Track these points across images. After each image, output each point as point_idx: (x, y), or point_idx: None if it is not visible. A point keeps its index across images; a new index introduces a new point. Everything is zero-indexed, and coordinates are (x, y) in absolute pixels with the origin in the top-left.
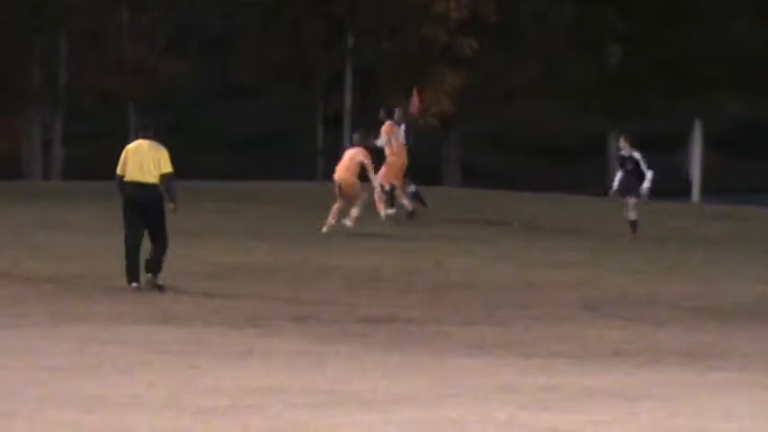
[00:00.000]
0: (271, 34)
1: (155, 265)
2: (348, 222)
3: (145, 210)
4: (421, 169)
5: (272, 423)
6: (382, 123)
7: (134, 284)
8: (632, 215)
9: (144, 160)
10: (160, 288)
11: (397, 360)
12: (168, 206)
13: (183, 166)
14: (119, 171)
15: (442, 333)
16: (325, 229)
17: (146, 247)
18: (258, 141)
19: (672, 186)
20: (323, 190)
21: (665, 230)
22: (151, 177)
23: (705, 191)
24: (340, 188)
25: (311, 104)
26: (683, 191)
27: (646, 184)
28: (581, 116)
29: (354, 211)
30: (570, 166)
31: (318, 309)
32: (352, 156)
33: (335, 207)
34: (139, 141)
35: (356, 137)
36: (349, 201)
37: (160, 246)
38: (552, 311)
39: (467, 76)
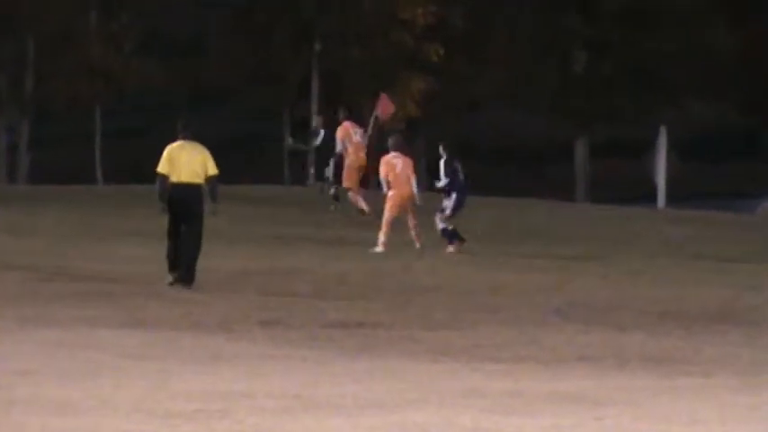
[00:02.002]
0: (240, 38)
1: (190, 275)
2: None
3: (187, 210)
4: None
5: (240, 428)
6: (339, 123)
7: (171, 278)
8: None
9: (189, 161)
10: (189, 286)
11: (364, 365)
12: (212, 208)
13: (152, 170)
14: (161, 170)
15: (410, 337)
16: (418, 245)
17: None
18: (226, 145)
19: (638, 191)
20: (291, 193)
21: (630, 235)
22: (197, 178)
23: (671, 196)
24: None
25: (279, 108)
26: (649, 196)
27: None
28: (548, 122)
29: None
30: (537, 172)
31: (287, 313)
32: (406, 167)
33: (413, 224)
34: (181, 142)
35: (393, 140)
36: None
37: (194, 249)
38: (518, 316)
39: (433, 82)
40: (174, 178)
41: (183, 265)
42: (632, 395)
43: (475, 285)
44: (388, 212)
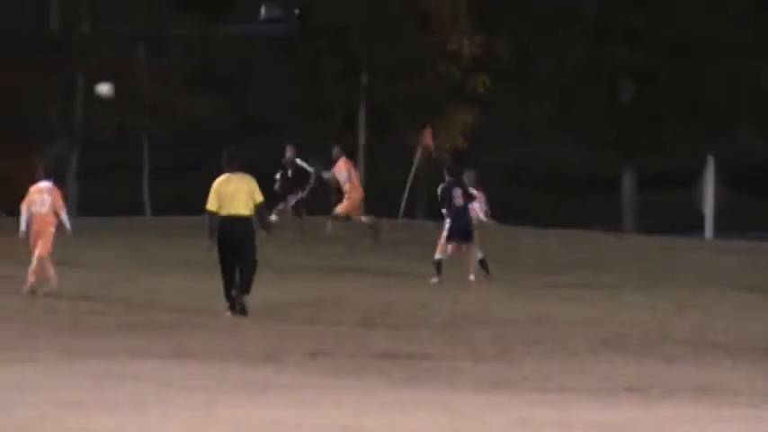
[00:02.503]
0: (287, 71)
1: (242, 303)
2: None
3: (239, 242)
4: (436, 205)
5: None
6: (335, 160)
7: (230, 314)
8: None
9: (236, 193)
10: (243, 311)
11: (412, 395)
12: (261, 234)
13: (200, 202)
14: (210, 207)
15: (457, 369)
16: (472, 277)
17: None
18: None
19: (686, 222)
20: (338, 224)
21: (678, 266)
22: (246, 210)
23: (719, 227)
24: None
25: (326, 140)
26: (697, 226)
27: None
28: (594, 152)
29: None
30: (584, 202)
31: (335, 344)
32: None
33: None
34: (227, 175)
35: (469, 174)
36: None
37: (248, 281)
38: (565, 347)
39: (480, 113)
40: (223, 212)
41: (239, 295)
42: (680, 426)
43: (522, 317)
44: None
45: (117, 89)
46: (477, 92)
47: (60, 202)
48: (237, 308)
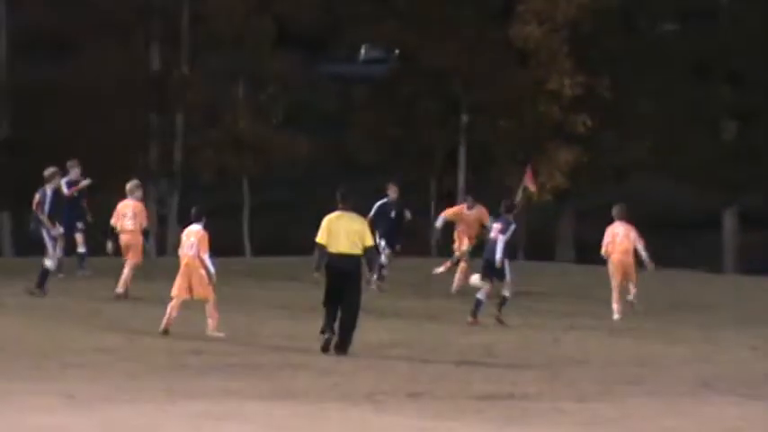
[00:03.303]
0: (385, 111)
1: (346, 342)
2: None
3: (346, 280)
4: (535, 245)
5: None
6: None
7: (325, 351)
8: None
9: (347, 232)
10: (342, 349)
11: None
12: (366, 277)
13: (300, 242)
14: (320, 240)
15: (557, 409)
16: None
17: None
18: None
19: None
20: (436, 265)
21: None
22: (355, 249)
23: None
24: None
25: (426, 181)
26: None
27: None
28: (695, 191)
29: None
30: (684, 241)
31: (434, 385)
32: (629, 233)
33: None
34: (340, 212)
35: (618, 210)
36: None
37: (351, 321)
38: (667, 387)
39: (580, 152)
40: (332, 249)
41: (340, 334)
42: None
43: (623, 357)
44: (613, 279)
45: (216, 127)
46: (578, 131)
47: (205, 247)
48: (335, 346)
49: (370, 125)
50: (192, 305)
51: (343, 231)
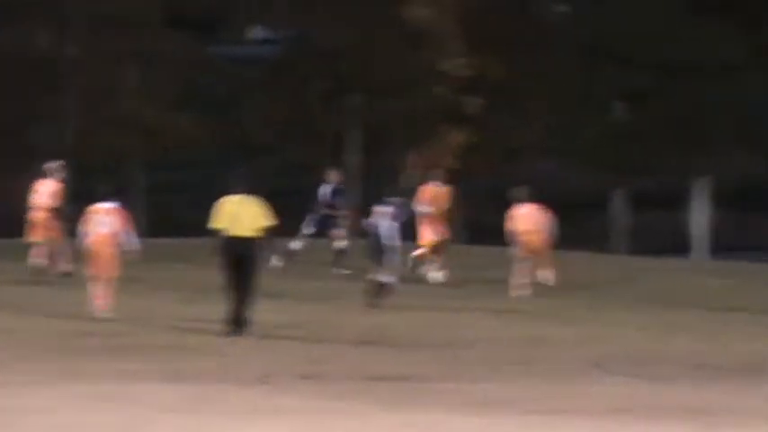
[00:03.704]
0: (277, 92)
1: (243, 321)
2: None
3: (243, 262)
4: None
5: None
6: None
7: (233, 335)
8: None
9: (243, 214)
10: (239, 330)
11: (404, 417)
12: (271, 259)
13: (194, 223)
14: (216, 224)
15: (450, 390)
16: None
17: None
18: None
19: (676, 243)
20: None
21: (668, 287)
22: (250, 231)
23: (710, 248)
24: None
25: (317, 162)
26: (688, 247)
27: None
28: (584, 172)
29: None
30: (574, 223)
31: (328, 366)
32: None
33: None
34: (235, 196)
35: (521, 192)
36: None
37: (248, 301)
38: (557, 368)
39: (472, 134)
40: (230, 232)
41: (237, 315)
42: None
43: (514, 338)
44: (516, 259)
45: (107, 109)
46: (469, 112)
47: (124, 223)
48: (235, 328)
49: (263, 106)
50: (79, 286)
51: (239, 214)
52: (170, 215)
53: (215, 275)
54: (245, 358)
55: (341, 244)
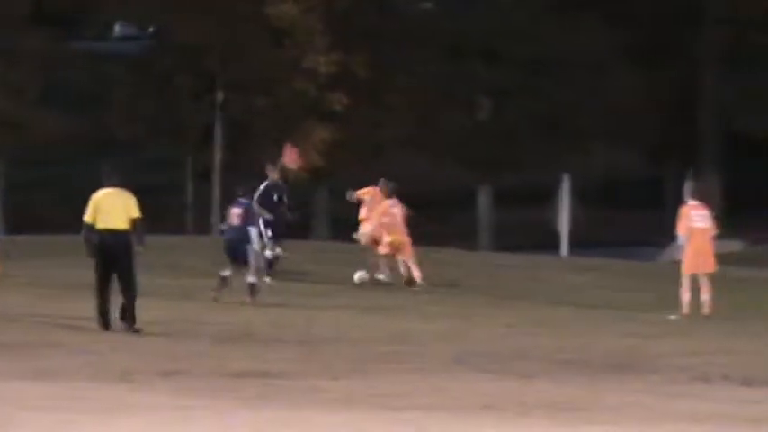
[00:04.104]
0: (141, 87)
1: (130, 317)
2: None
3: (116, 256)
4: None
5: None
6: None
7: (100, 329)
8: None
9: (113, 207)
10: (137, 331)
11: (266, 415)
12: (137, 249)
13: (57, 220)
14: (87, 219)
15: (312, 387)
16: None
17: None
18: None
19: (541, 239)
20: (194, 243)
21: (533, 283)
22: (122, 224)
23: (574, 244)
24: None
25: (182, 158)
26: (553, 244)
27: None
28: (450, 169)
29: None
30: (438, 219)
31: (189, 363)
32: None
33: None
34: (106, 189)
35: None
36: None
37: (130, 294)
38: (422, 364)
39: (337, 131)
40: (100, 225)
41: (125, 309)
42: None
43: (378, 334)
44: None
45: None
46: (333, 109)
47: None
48: (122, 318)
49: (127, 103)
50: None
51: (109, 207)
52: (32, 212)
53: (78, 272)
54: (107, 356)
55: (275, 251)
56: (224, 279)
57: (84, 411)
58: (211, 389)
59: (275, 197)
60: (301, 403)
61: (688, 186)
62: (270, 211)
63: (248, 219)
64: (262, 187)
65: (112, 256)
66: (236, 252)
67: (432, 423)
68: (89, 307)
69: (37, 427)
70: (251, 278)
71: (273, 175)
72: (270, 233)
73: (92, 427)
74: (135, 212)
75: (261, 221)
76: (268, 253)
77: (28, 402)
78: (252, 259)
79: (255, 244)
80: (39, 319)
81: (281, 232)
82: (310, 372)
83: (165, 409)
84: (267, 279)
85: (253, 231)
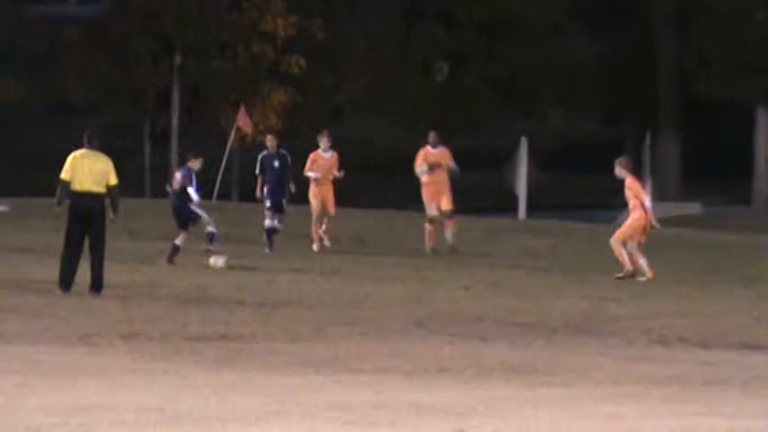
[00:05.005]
0: (97, 51)
1: (98, 282)
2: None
3: (90, 219)
4: (250, 187)
5: None
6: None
7: (61, 292)
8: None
9: (92, 170)
10: (97, 288)
11: (226, 377)
12: (109, 216)
13: (12, 183)
14: (64, 176)
15: (271, 350)
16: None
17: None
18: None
19: (498, 202)
20: (153, 206)
21: (491, 246)
22: (99, 187)
23: (531, 207)
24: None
25: (139, 122)
26: (510, 207)
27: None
28: (410, 132)
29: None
30: (396, 182)
31: (149, 326)
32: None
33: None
34: (85, 150)
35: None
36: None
37: (99, 256)
38: (380, 328)
39: (295, 94)
40: (76, 186)
41: (93, 274)
42: (494, 406)
43: (337, 298)
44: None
45: None
46: (292, 72)
47: None
48: (90, 287)
49: (82, 66)
50: None
51: (87, 169)
52: None
53: (37, 236)
54: (66, 319)
55: (273, 222)
56: (176, 247)
57: (42, 375)
58: (171, 352)
59: (275, 163)
60: (260, 366)
61: (621, 162)
62: (272, 177)
63: (187, 182)
64: (260, 156)
65: (87, 218)
66: (181, 217)
67: (390, 386)
68: (46, 270)
69: None
70: (208, 228)
71: (270, 143)
72: (269, 203)
73: (50, 390)
74: (113, 179)
75: (265, 191)
76: (267, 222)
77: None
78: (200, 213)
79: (195, 199)
80: None
81: (279, 203)
82: (269, 335)
83: (124, 371)
84: (266, 250)
85: (190, 190)
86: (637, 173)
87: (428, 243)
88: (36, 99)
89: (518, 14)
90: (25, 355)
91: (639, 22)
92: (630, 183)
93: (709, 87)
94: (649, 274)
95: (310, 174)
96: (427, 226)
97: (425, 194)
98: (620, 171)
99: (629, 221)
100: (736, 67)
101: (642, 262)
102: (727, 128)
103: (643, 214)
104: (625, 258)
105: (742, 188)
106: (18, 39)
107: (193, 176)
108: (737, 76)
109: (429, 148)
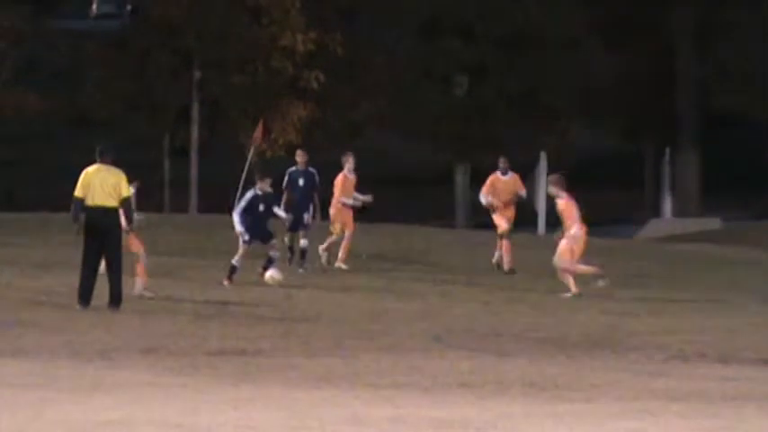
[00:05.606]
0: (118, 66)
1: (117, 296)
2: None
3: (105, 233)
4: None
5: None
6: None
7: (80, 307)
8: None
9: (105, 184)
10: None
11: (245, 392)
12: (124, 228)
13: (33, 197)
14: (78, 194)
15: (290, 365)
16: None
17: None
18: None
19: (518, 217)
20: (172, 221)
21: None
22: (112, 201)
23: (551, 222)
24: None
25: (159, 137)
26: (530, 222)
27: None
28: (427, 147)
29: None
30: (416, 197)
31: (168, 341)
32: None
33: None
34: (98, 165)
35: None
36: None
37: (117, 272)
38: (400, 342)
39: (314, 108)
40: (89, 202)
41: (111, 289)
42: (514, 421)
43: (356, 313)
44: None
45: None
46: (311, 87)
47: None
48: (109, 302)
49: (103, 81)
50: None
51: (99, 184)
52: (3, 189)
53: (55, 250)
54: (84, 334)
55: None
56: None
57: (61, 389)
58: (190, 367)
59: (300, 181)
60: (279, 381)
61: (554, 179)
62: (296, 194)
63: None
64: (288, 171)
65: (101, 233)
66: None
67: (409, 401)
68: (65, 284)
69: (13, 403)
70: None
71: (300, 159)
72: (288, 224)
73: (69, 405)
74: (125, 191)
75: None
76: (303, 242)
77: (4, 379)
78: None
79: (239, 227)
80: (17, 297)
81: (297, 222)
82: (289, 350)
83: (143, 386)
84: (300, 270)
85: (234, 217)
86: (571, 191)
87: (506, 259)
88: (57, 114)
89: (537, 29)
90: (44, 369)
91: (658, 37)
92: (564, 205)
93: (728, 102)
94: (574, 290)
95: (347, 201)
96: (504, 243)
97: (496, 217)
98: (552, 189)
99: (567, 241)
100: (755, 81)
101: (572, 279)
102: (747, 143)
103: (581, 227)
104: (586, 268)
105: (762, 203)
106: (39, 53)
107: (244, 197)
108: (756, 90)
109: (498, 174)
